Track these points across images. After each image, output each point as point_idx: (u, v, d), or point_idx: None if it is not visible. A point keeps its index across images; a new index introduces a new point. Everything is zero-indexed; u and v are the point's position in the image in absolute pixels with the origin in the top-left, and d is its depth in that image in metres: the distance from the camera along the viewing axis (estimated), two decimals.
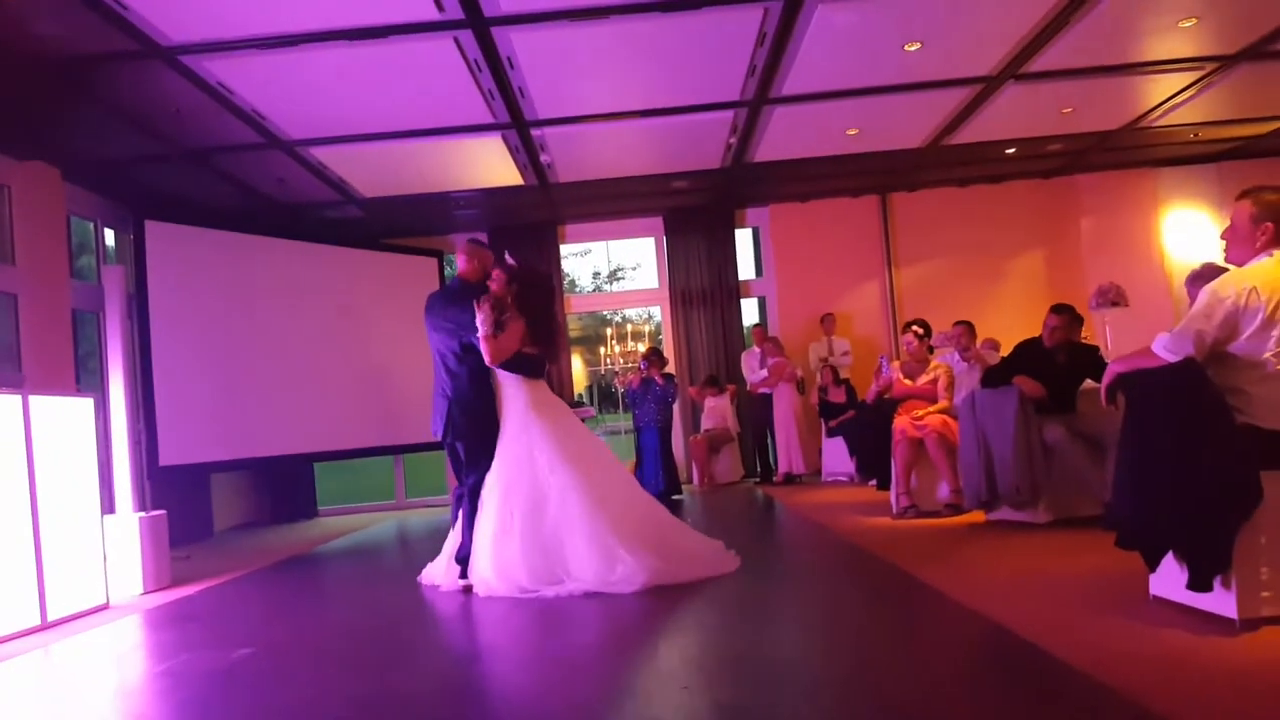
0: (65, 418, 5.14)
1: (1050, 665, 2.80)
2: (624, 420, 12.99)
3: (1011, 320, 9.57)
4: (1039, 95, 7.85)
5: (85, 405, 5.39)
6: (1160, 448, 3.19)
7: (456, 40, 5.90)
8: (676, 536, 5.01)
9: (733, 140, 8.46)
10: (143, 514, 5.87)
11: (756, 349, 10.43)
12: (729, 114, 7.78)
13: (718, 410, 10.22)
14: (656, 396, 9.25)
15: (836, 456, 9.61)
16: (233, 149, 7.60)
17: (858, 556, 5.12)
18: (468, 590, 4.79)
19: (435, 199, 9.55)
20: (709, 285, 11.01)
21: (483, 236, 10.50)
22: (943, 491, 6.42)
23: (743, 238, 11.44)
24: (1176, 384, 3.20)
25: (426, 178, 8.85)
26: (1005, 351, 6.70)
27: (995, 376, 5.78)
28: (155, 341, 8.04)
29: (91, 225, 8.32)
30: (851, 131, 8.49)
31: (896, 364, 7.11)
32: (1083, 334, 5.96)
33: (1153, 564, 3.30)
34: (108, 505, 5.82)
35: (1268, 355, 3.14)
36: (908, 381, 6.86)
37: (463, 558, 4.88)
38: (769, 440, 10.29)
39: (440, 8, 5.43)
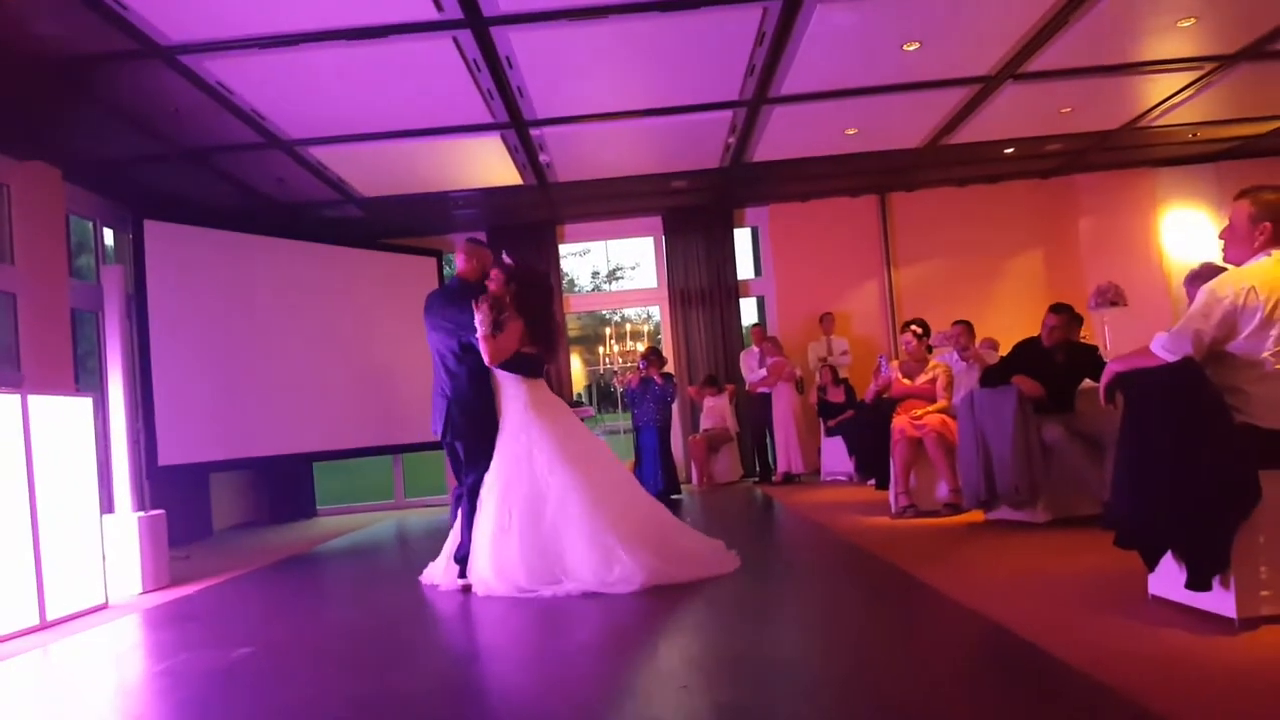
0: (64, 417, 5.14)
1: (1049, 664, 2.80)
2: (623, 420, 13.00)
3: (1010, 320, 9.58)
4: (1038, 95, 7.85)
5: (84, 405, 5.38)
6: (1159, 447, 3.19)
7: (455, 40, 5.89)
8: (676, 536, 5.00)
9: (732, 140, 8.46)
10: (142, 513, 5.87)
11: (755, 348, 10.43)
12: (728, 114, 7.78)
13: (717, 410, 10.22)
14: (655, 396, 9.25)
15: (835, 456, 9.61)
16: (232, 148, 7.60)
17: (856, 556, 5.12)
18: (466, 590, 4.79)
19: (434, 199, 9.55)
20: (708, 285, 11.01)
21: (482, 236, 10.48)
22: (941, 491, 6.42)
23: (741, 237, 11.44)
24: (1175, 383, 3.20)
25: (425, 177, 8.85)
26: (1004, 351, 6.71)
27: (994, 376, 5.78)
28: (154, 341, 8.04)
29: (90, 225, 8.32)
30: (850, 131, 8.49)
31: (895, 363, 7.11)
32: (1081, 334, 5.97)
33: (1151, 563, 3.31)
34: (107, 505, 5.82)
35: (1266, 354, 3.14)
36: (906, 381, 6.86)
37: (461, 557, 4.88)
38: (768, 440, 10.29)
39: (439, 7, 5.43)
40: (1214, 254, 3.81)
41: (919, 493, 6.46)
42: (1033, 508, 5.46)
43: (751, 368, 10.38)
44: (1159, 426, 3.21)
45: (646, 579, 4.40)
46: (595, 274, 21.62)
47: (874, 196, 11.09)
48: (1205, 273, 4.43)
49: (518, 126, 7.62)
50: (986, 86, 7.59)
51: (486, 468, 4.89)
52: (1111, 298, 8.84)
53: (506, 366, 4.93)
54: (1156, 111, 8.62)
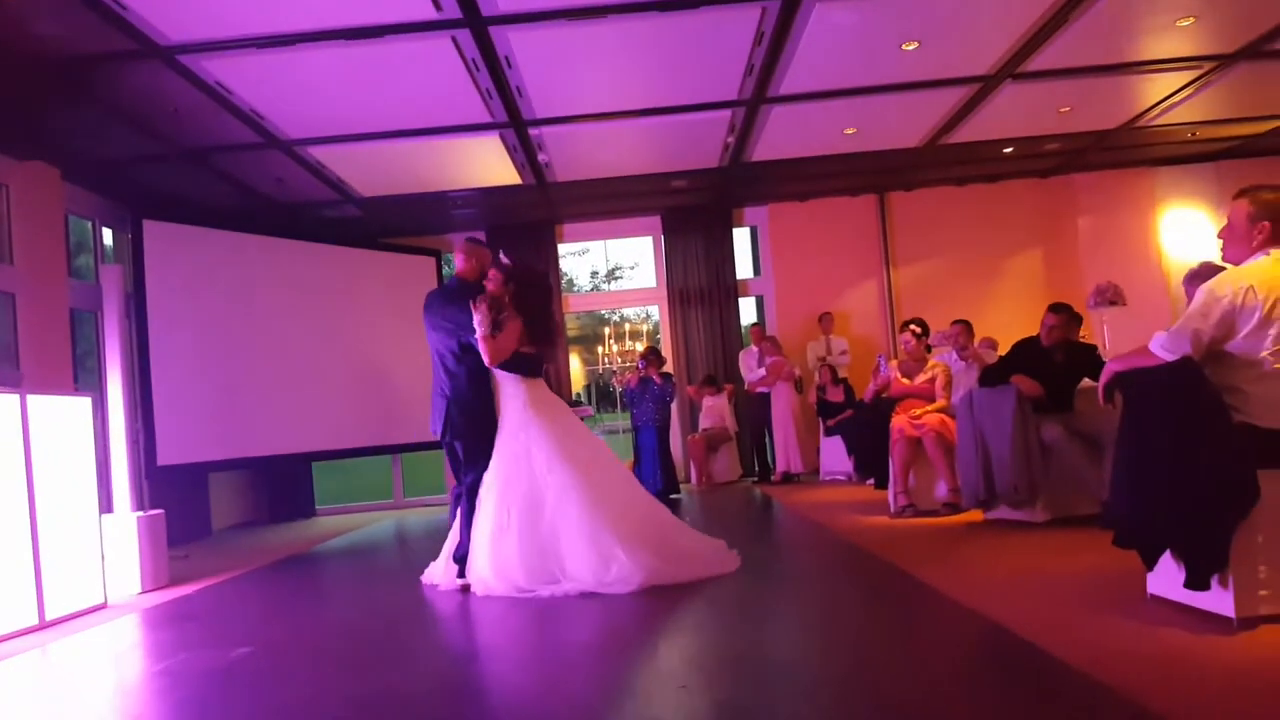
0: (63, 417, 5.14)
1: (1048, 664, 2.80)
2: (622, 419, 13.00)
3: (1009, 319, 9.59)
4: (1037, 94, 7.85)
5: (83, 404, 5.38)
6: (1158, 446, 3.19)
7: (454, 39, 5.89)
8: (676, 536, 5.00)
9: (731, 139, 8.46)
10: (141, 513, 5.87)
11: (754, 348, 10.42)
12: (727, 113, 7.78)
13: (716, 409, 10.22)
14: (654, 396, 9.25)
15: (834, 455, 9.61)
16: (231, 148, 7.60)
17: (856, 556, 5.13)
18: (466, 589, 4.79)
19: (433, 198, 9.54)
20: (707, 284, 11.01)
21: (481, 235, 10.48)
22: (940, 490, 6.42)
23: (740, 237, 11.44)
24: (1174, 383, 3.20)
25: (424, 177, 8.85)
26: (1003, 350, 6.71)
27: (993, 375, 5.78)
28: (153, 341, 8.04)
29: (89, 224, 8.31)
30: (849, 131, 8.49)
31: (894, 363, 7.12)
32: (1080, 333, 5.97)
33: (1150, 563, 3.31)
34: (106, 504, 5.82)
35: (1265, 354, 3.14)
36: (905, 380, 6.87)
37: (460, 557, 4.88)
38: (767, 439, 10.29)
39: (438, 7, 5.43)
40: (1213, 253, 3.81)
41: (918, 492, 6.46)
42: (1031, 507, 5.46)
43: (750, 367, 10.38)
44: (1158, 426, 3.21)
45: (645, 579, 4.39)
46: (594, 274, 21.64)
47: (873, 196, 11.09)
48: (1204, 272, 4.43)
49: (516, 126, 7.62)
50: (985, 86, 7.59)
51: (485, 467, 4.88)
52: (1110, 297, 8.85)
53: (505, 366, 4.93)
54: (1155, 111, 8.62)
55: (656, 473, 8.99)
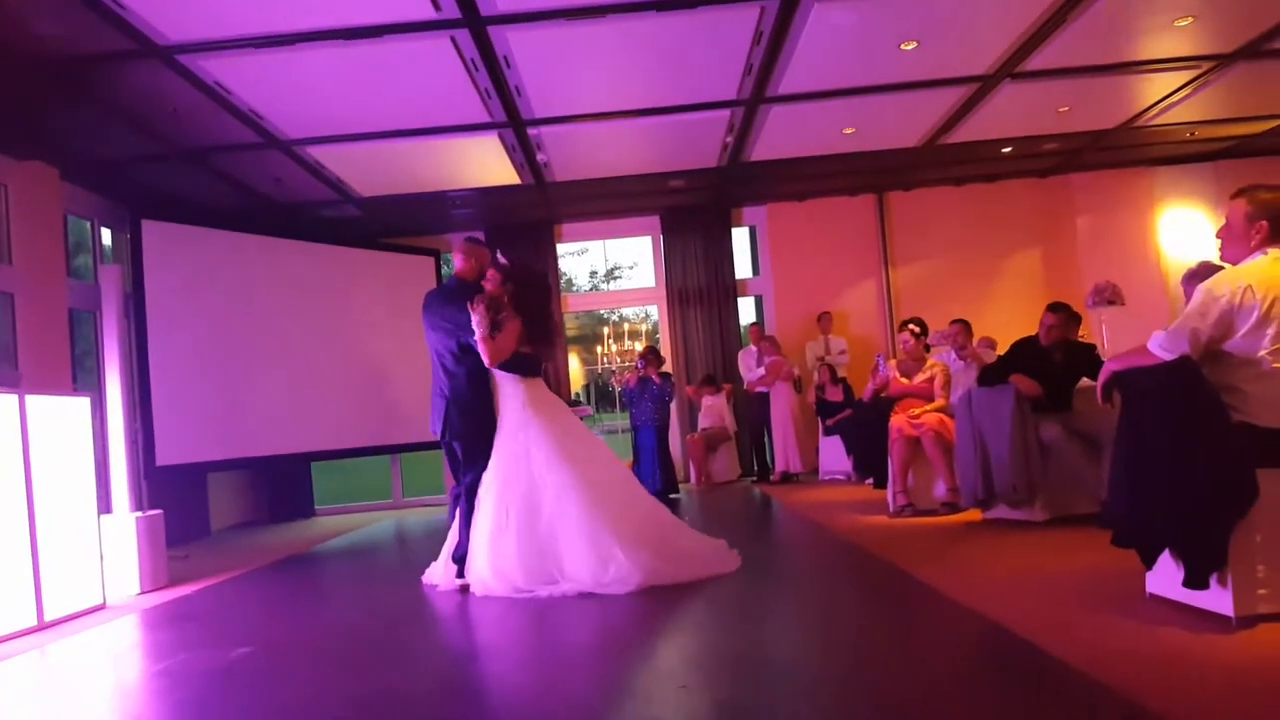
0: (62, 417, 5.13)
1: (1047, 663, 2.80)
2: (621, 419, 13.00)
3: (1008, 319, 9.59)
4: (1035, 94, 7.85)
5: (82, 404, 5.38)
6: (1156, 446, 3.20)
7: (453, 39, 5.89)
8: (676, 536, 4.99)
9: (729, 139, 8.46)
10: (140, 513, 5.87)
11: (753, 348, 10.43)
12: (725, 113, 7.78)
13: (715, 409, 10.23)
14: (653, 395, 9.25)
15: (833, 455, 9.61)
16: (230, 148, 7.60)
17: (855, 555, 5.13)
18: (465, 589, 4.78)
19: (432, 198, 9.54)
20: (706, 284, 11.01)
21: (480, 235, 10.48)
22: (939, 490, 6.43)
23: (739, 236, 11.44)
24: (1172, 382, 3.21)
25: (423, 177, 8.84)
26: (1002, 350, 6.71)
27: (992, 375, 5.78)
28: (152, 341, 8.04)
29: (88, 224, 8.31)
30: (848, 130, 8.49)
31: (893, 363, 7.12)
32: (1079, 332, 5.97)
33: (1149, 562, 3.31)
34: (104, 505, 5.81)
35: (1263, 353, 3.15)
36: (904, 380, 6.87)
37: (459, 557, 4.88)
38: (766, 439, 10.29)
39: (437, 7, 5.43)
40: (1211, 253, 3.82)
41: (917, 492, 6.46)
42: (1030, 507, 5.46)
43: (749, 367, 10.38)
44: (1156, 425, 3.21)
45: (643, 579, 4.38)
46: (593, 273, 21.67)
47: (872, 196, 11.09)
48: (1203, 271, 4.43)
49: (515, 126, 7.61)
50: (984, 86, 7.59)
51: (485, 467, 4.88)
52: (1109, 296, 8.85)
53: (504, 366, 4.93)
54: (1154, 110, 8.63)
55: (655, 472, 9.00)
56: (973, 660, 3.15)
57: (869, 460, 8.08)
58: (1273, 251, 3.26)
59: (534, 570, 4.57)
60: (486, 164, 8.60)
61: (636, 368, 9.54)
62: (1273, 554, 3.02)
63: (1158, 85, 7.99)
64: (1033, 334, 5.82)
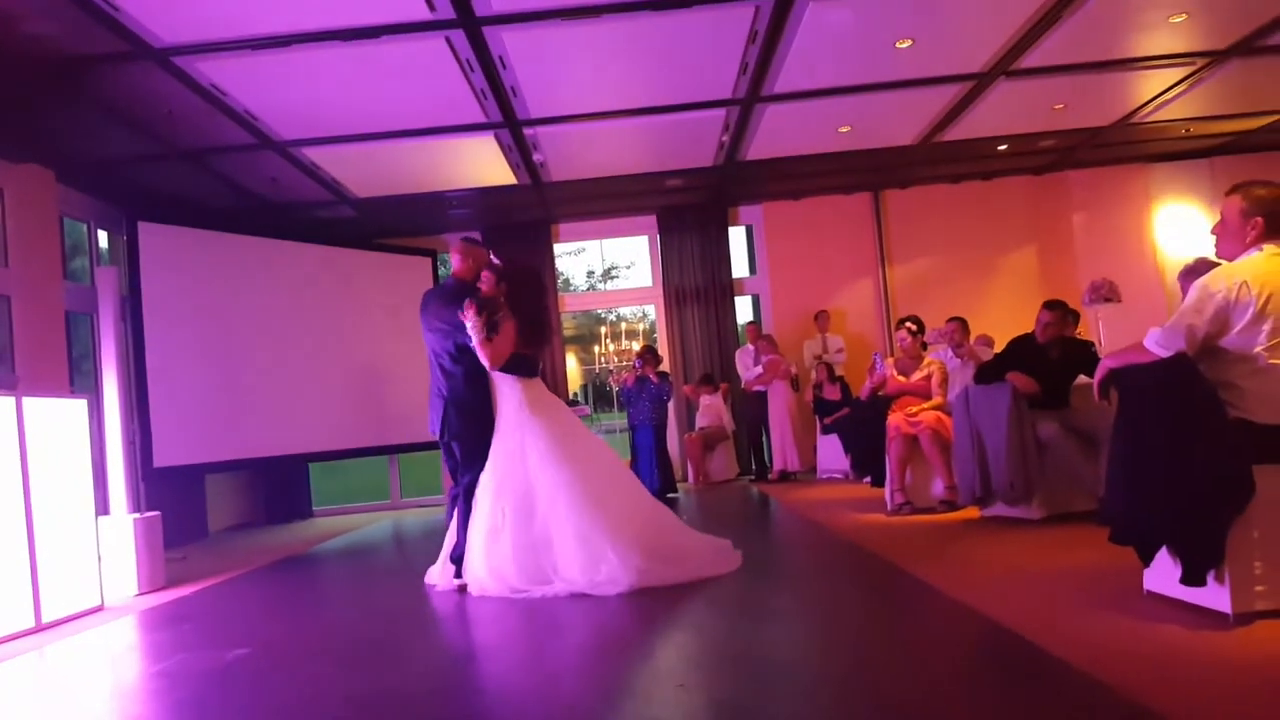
0: (59, 419, 5.13)
1: (1045, 661, 2.81)
2: (619, 419, 13.00)
3: (1005, 316, 9.59)
4: (1030, 91, 7.86)
5: (79, 406, 5.38)
6: (1153, 443, 3.20)
7: (448, 40, 5.89)
8: (676, 536, 4.98)
9: (725, 138, 8.46)
10: (137, 515, 5.86)
11: (751, 346, 10.42)
12: (721, 112, 7.78)
13: (712, 408, 10.23)
14: (651, 395, 9.25)
15: (831, 453, 9.62)
16: (225, 150, 7.59)
17: (853, 553, 5.13)
18: (462, 590, 4.78)
19: (428, 199, 9.53)
20: (703, 283, 11.01)
21: (476, 235, 10.47)
22: (937, 488, 6.43)
23: (736, 235, 11.44)
24: (1169, 379, 3.21)
25: (419, 177, 8.84)
26: (999, 348, 6.71)
27: (989, 373, 5.79)
28: (149, 342, 8.03)
29: (85, 227, 8.31)
30: (844, 129, 8.49)
31: (890, 361, 7.12)
32: (1076, 330, 5.98)
33: (1146, 559, 3.32)
34: (102, 507, 5.80)
35: (1259, 349, 3.15)
36: (902, 378, 6.87)
37: (457, 557, 4.88)
38: (764, 438, 10.30)
39: (432, 7, 5.42)
40: (1207, 249, 3.82)
41: (914, 490, 6.47)
42: (1028, 504, 5.47)
43: (747, 366, 10.38)
44: (1153, 422, 3.22)
45: (634, 581, 4.36)
46: (590, 273, 21.65)
47: (868, 194, 11.09)
48: (1199, 268, 4.43)
49: (511, 126, 7.61)
50: (979, 83, 7.59)
51: (483, 468, 4.88)
52: (1105, 294, 8.86)
53: (503, 367, 4.93)
54: (1149, 107, 8.64)
55: (654, 472, 8.99)
56: (972, 659, 3.15)
57: (866, 458, 8.08)
58: (1268, 247, 3.26)
59: (529, 570, 4.56)
60: (483, 164, 8.59)
61: (634, 367, 9.53)
62: (1270, 550, 3.02)
63: (1153, 82, 8.00)
64: (1029, 331, 5.83)
